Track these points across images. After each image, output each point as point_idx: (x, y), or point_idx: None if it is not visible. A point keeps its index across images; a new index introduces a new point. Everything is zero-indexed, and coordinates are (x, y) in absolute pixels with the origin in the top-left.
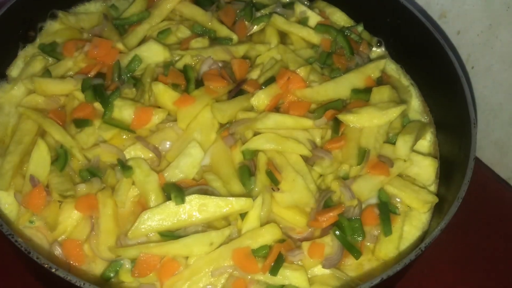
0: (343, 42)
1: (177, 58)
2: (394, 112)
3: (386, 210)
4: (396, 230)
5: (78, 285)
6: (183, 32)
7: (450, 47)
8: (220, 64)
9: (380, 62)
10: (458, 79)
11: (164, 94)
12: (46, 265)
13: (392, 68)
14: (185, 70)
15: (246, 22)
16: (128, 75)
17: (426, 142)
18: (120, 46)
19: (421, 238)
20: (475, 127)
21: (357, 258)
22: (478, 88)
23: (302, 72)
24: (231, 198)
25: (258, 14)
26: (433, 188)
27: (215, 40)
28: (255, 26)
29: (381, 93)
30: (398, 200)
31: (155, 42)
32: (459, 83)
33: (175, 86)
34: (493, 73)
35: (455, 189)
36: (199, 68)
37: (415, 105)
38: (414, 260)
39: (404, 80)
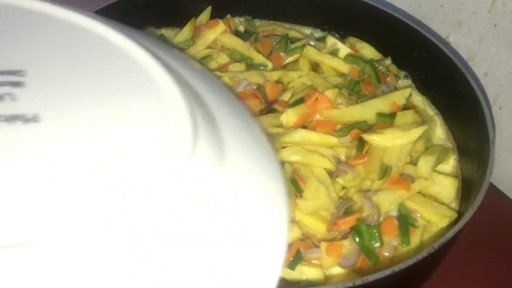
0: (370, 71)
1: None
2: (416, 133)
3: (405, 222)
4: (414, 241)
5: None
6: (223, 58)
7: (479, 90)
8: (254, 86)
9: (405, 90)
10: (478, 102)
11: None
12: None
13: (419, 100)
14: None
15: (281, 53)
16: None
17: (449, 167)
18: None
19: None
20: (493, 145)
21: (374, 263)
22: (507, 128)
23: (329, 93)
24: None
25: (292, 46)
26: (453, 207)
27: (251, 66)
28: (289, 57)
29: (405, 117)
30: (418, 215)
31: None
32: (480, 107)
33: None
34: None
35: (471, 201)
36: (235, 88)
37: (439, 133)
38: (426, 256)
39: (429, 110)
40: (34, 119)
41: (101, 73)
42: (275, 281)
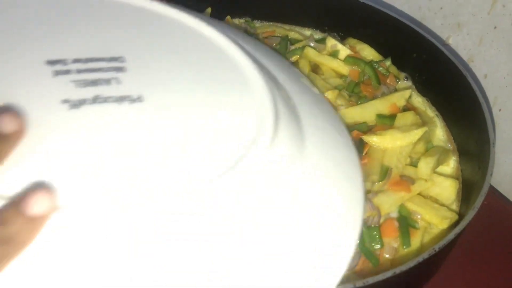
0: (370, 72)
1: None
2: (416, 134)
3: (406, 224)
4: (415, 243)
5: None
6: None
7: (479, 91)
8: None
9: (405, 91)
10: (478, 104)
11: None
12: None
13: (419, 101)
14: None
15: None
16: None
17: (449, 168)
18: None
19: None
20: (493, 146)
21: (375, 265)
22: (506, 130)
23: (329, 95)
24: None
25: (292, 47)
26: (454, 208)
27: None
28: (289, 58)
29: (405, 118)
30: (419, 216)
31: None
32: (480, 109)
33: None
34: None
35: (472, 202)
36: None
37: (440, 134)
38: (427, 258)
39: (430, 112)
40: (139, 99)
41: (190, 59)
42: (339, 277)
